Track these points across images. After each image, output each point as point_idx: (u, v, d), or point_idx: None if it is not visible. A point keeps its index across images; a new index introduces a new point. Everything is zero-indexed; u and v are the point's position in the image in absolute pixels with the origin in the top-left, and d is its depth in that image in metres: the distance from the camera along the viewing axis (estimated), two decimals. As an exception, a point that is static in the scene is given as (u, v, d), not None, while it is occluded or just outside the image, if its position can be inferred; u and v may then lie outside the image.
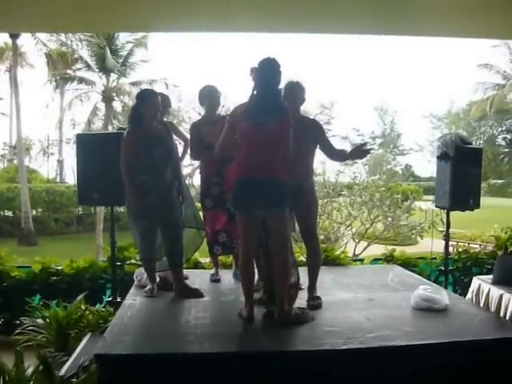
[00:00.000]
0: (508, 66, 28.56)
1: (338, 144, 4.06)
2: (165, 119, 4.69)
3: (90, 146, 4.74)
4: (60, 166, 36.23)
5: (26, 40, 23.22)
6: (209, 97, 4.65)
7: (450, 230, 5.59)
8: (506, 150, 43.99)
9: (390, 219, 14.04)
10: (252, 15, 4.49)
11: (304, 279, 4.05)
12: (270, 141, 3.45)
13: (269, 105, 3.48)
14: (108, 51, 20.74)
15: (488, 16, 4.44)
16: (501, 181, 38.97)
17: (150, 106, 4.12)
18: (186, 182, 4.96)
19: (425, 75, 66.64)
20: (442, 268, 5.50)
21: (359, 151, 3.94)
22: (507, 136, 44.99)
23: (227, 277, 4.80)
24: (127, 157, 4.08)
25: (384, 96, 51.58)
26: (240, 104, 3.67)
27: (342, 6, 4.27)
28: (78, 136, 4.95)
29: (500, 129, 45.59)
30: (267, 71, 3.51)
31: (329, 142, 4.02)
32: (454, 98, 51.41)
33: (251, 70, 3.60)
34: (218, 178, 4.56)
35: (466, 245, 9.22)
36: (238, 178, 3.55)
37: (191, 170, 14.60)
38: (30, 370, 3.28)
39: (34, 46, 22.00)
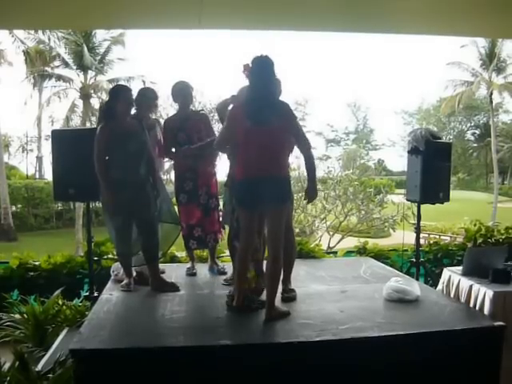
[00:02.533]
0: (476, 64, 29.10)
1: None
2: (152, 114, 4.70)
3: (66, 141, 4.69)
4: (39, 163, 35.91)
5: (3, 37, 22.84)
6: (182, 93, 4.66)
7: (422, 223, 5.70)
8: (475, 144, 44.96)
9: (363, 212, 14.23)
10: (225, 13, 4.52)
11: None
12: (273, 139, 3.48)
13: (268, 103, 3.50)
14: (85, 49, 20.74)
15: (457, 14, 4.55)
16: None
17: (123, 102, 4.10)
18: (164, 177, 4.95)
19: (396, 73, 67.71)
20: (414, 260, 5.61)
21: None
22: (476, 131, 46.01)
23: (203, 271, 4.83)
24: (101, 153, 4.06)
25: (357, 93, 52.25)
26: (238, 104, 3.74)
27: (314, 3, 4.32)
28: (53, 132, 4.88)
29: (469, 124, 46.59)
30: (262, 69, 3.54)
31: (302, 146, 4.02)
32: (425, 94, 52.29)
33: (244, 68, 3.63)
34: (192, 173, 4.58)
35: (438, 237, 9.38)
36: (243, 178, 3.57)
37: (169, 166, 14.60)
38: (6, 366, 3.27)
39: (12, 43, 21.83)
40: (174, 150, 4.66)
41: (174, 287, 4.20)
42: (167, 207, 4.57)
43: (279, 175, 3.50)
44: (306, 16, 4.68)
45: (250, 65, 3.59)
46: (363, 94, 68.63)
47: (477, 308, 3.82)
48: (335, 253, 6.81)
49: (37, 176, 34.56)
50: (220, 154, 4.59)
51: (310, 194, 3.78)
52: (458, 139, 43.74)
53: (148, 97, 4.56)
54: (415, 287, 3.93)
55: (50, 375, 3.19)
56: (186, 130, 4.57)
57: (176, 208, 4.72)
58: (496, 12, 4.56)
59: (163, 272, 4.50)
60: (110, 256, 5.46)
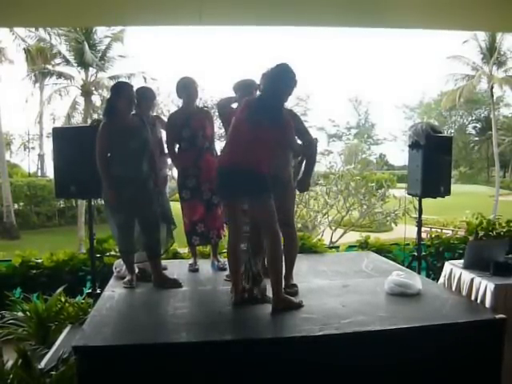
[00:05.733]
0: (477, 57, 29.02)
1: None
2: (151, 112, 4.68)
3: (67, 139, 4.69)
4: (41, 160, 35.99)
5: (4, 36, 22.91)
6: (186, 88, 4.64)
7: (424, 217, 5.71)
8: (476, 138, 44.94)
9: (365, 207, 14.25)
10: (225, 9, 4.52)
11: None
12: (259, 137, 3.51)
13: (267, 107, 3.56)
14: (86, 46, 20.72)
15: (457, 8, 4.55)
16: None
17: (125, 99, 4.10)
18: (169, 172, 4.95)
19: (397, 67, 67.52)
20: (416, 253, 5.62)
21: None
22: (477, 125, 45.99)
23: (205, 266, 4.83)
24: (102, 150, 4.06)
25: (358, 87, 52.15)
26: (244, 106, 3.78)
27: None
28: (54, 129, 4.90)
29: (470, 118, 46.55)
30: (276, 77, 3.62)
31: (302, 131, 4.03)
32: (426, 88, 52.19)
33: (262, 76, 3.86)
34: (195, 169, 4.58)
35: (439, 230, 9.39)
36: (220, 166, 3.66)
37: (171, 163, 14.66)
38: (9, 364, 3.29)
39: (13, 41, 21.84)
40: (177, 145, 4.67)
41: (176, 283, 4.20)
42: (168, 207, 4.59)
43: (255, 170, 3.49)
44: (307, 12, 4.69)
45: (270, 69, 3.72)
46: (364, 89, 68.73)
47: (478, 301, 3.83)
48: (337, 247, 6.83)
49: (39, 174, 34.67)
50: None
51: (301, 186, 4.05)
52: (459, 133, 43.71)
53: (146, 97, 4.54)
54: (417, 281, 3.93)
55: (53, 372, 3.23)
56: (191, 126, 4.56)
57: (179, 204, 4.73)
58: (496, 5, 4.56)
59: (165, 268, 4.50)
60: (113, 253, 5.48)
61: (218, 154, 4.74)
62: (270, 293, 3.66)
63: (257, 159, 3.50)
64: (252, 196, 3.57)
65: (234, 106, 4.33)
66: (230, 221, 3.84)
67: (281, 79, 3.61)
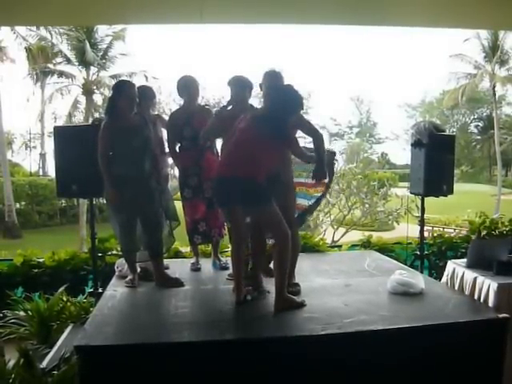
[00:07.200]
0: (479, 56, 28.97)
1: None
2: (151, 111, 4.67)
3: (68, 138, 4.69)
4: (42, 160, 35.96)
5: (5, 35, 22.91)
6: (187, 87, 4.62)
7: (426, 216, 5.68)
8: (478, 137, 44.92)
9: (367, 206, 14.24)
10: (227, 7, 4.51)
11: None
12: (261, 150, 3.50)
13: (271, 121, 3.52)
14: (87, 44, 20.76)
15: (460, 6, 4.54)
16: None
17: (126, 97, 4.07)
18: (171, 171, 4.94)
19: (399, 66, 67.53)
20: (418, 253, 5.60)
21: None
22: (479, 124, 45.96)
23: (208, 266, 4.83)
24: (104, 149, 4.05)
25: (360, 86, 52.08)
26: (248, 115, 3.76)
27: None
28: (56, 128, 4.89)
29: (472, 117, 46.53)
30: (284, 98, 3.59)
31: (306, 129, 4.02)
32: (428, 87, 52.14)
33: (264, 76, 3.89)
34: (196, 168, 4.57)
35: (441, 229, 9.38)
36: (219, 176, 3.63)
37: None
38: (11, 363, 3.28)
39: (14, 40, 21.84)
40: (178, 144, 4.65)
41: (178, 283, 4.20)
42: (172, 205, 4.57)
43: (252, 180, 3.48)
44: (308, 10, 4.68)
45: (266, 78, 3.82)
46: (366, 88, 68.68)
47: (481, 300, 3.82)
48: (339, 246, 6.81)
49: (40, 173, 34.66)
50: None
51: (316, 174, 3.84)
52: (461, 132, 43.62)
53: (146, 95, 4.52)
54: (419, 280, 3.92)
55: (55, 372, 3.22)
56: (193, 125, 4.54)
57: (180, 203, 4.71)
58: (499, 4, 4.55)
59: (167, 267, 4.49)
60: (114, 252, 5.48)
61: (219, 152, 4.75)
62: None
63: (258, 170, 3.50)
64: (254, 206, 3.57)
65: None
66: (232, 222, 3.83)
67: (287, 104, 3.57)
